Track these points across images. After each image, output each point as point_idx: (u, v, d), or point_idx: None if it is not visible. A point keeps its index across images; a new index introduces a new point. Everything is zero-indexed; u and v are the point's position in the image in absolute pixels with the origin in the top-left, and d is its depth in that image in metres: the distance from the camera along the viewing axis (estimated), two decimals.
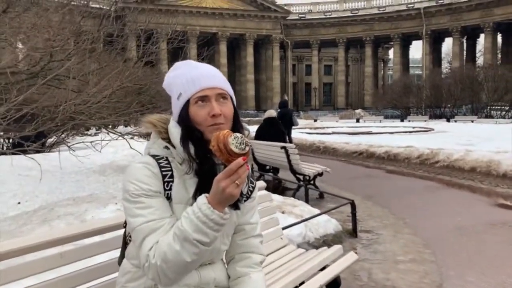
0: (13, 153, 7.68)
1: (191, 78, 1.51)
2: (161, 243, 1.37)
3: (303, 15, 66.77)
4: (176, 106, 1.53)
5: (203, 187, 1.46)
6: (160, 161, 1.52)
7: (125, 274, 1.58)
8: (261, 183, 3.45)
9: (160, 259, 1.35)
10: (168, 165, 1.51)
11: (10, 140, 10.29)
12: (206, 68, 1.56)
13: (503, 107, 41.55)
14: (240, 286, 1.61)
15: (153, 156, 1.54)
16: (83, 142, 7.56)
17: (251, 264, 1.68)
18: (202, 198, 1.35)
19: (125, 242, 1.70)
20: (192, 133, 1.49)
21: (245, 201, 1.67)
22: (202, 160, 1.49)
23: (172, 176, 1.50)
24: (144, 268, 1.39)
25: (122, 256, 1.71)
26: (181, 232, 1.33)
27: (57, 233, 2.00)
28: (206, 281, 1.53)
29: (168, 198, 1.49)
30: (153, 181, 1.47)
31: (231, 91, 1.56)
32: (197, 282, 1.51)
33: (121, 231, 1.82)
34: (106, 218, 2.33)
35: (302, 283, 2.64)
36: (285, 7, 65.05)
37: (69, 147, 7.48)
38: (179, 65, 1.62)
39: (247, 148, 1.30)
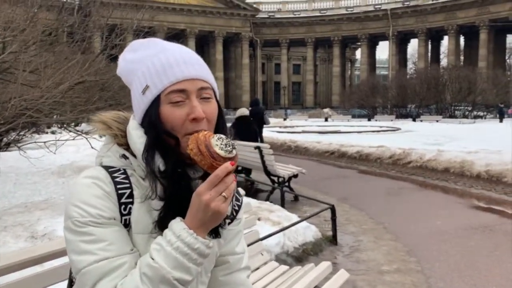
0: None
1: (160, 64, 1.07)
2: None
3: (272, 14, 66.68)
4: (140, 103, 1.09)
5: (170, 211, 1.04)
6: (116, 174, 1.08)
7: None
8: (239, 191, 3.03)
9: None
10: (127, 181, 1.07)
11: None
12: (182, 51, 1.11)
13: (466, 107, 42.70)
14: None
15: (107, 168, 1.09)
16: (35, 142, 6.88)
17: None
18: (179, 223, 0.97)
19: (71, 279, 1.24)
20: (161, 140, 1.06)
21: (229, 224, 1.24)
22: (173, 176, 1.06)
23: (131, 195, 1.06)
24: None
25: None
26: (154, 271, 0.94)
27: None
28: None
29: (127, 225, 1.06)
30: (104, 203, 1.03)
31: (215, 84, 1.14)
32: None
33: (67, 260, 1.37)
34: (46, 244, 1.87)
35: None
36: (255, 5, 64.73)
37: (19, 147, 6.80)
38: (139, 44, 1.15)
39: (234, 151, 0.99)
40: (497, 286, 4.01)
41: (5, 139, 11.21)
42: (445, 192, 8.84)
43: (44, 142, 6.45)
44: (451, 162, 10.37)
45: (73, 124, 9.84)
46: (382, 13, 60.49)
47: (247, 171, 9.56)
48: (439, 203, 7.80)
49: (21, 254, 1.66)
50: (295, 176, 7.99)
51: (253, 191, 8.63)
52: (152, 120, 1.07)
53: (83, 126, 12.08)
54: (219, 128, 1.12)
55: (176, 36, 51.17)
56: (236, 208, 1.31)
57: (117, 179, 1.07)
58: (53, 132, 15.10)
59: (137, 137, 1.09)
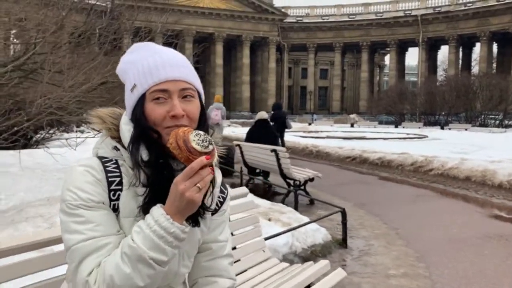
0: None
1: (148, 66, 1.22)
2: (106, 266, 1.09)
3: (300, 18, 66.61)
4: (129, 100, 1.25)
5: (153, 198, 1.17)
6: (108, 164, 1.23)
7: None
8: (243, 189, 3.15)
9: (105, 285, 1.08)
10: (117, 170, 1.23)
11: None
12: (169, 54, 1.26)
13: (497, 116, 41.56)
14: None
15: (100, 158, 1.25)
16: (58, 139, 7.20)
17: None
18: (158, 209, 1.10)
19: None
20: (146, 134, 1.19)
21: (213, 214, 1.37)
22: (156, 165, 1.19)
23: (120, 183, 1.21)
24: None
25: None
26: (133, 250, 1.07)
27: None
28: None
29: (115, 210, 1.20)
30: (95, 189, 1.18)
31: (199, 85, 1.28)
32: None
33: None
34: (51, 230, 2.02)
35: None
36: (283, 10, 64.87)
37: (44, 145, 7.11)
38: (136, 47, 1.32)
39: (210, 147, 1.11)
40: None
41: (34, 138, 11.68)
42: (465, 200, 8.71)
43: (66, 139, 6.73)
44: (473, 171, 10.19)
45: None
46: (412, 19, 59.57)
47: (265, 174, 9.66)
48: (457, 211, 7.69)
49: (24, 238, 1.81)
50: (311, 179, 8.03)
51: (270, 194, 8.73)
52: (137, 116, 1.22)
53: None
54: (201, 125, 1.25)
55: (204, 39, 51.81)
56: (221, 200, 1.43)
57: (108, 168, 1.22)
58: (81, 131, 15.58)
59: (126, 131, 1.23)
